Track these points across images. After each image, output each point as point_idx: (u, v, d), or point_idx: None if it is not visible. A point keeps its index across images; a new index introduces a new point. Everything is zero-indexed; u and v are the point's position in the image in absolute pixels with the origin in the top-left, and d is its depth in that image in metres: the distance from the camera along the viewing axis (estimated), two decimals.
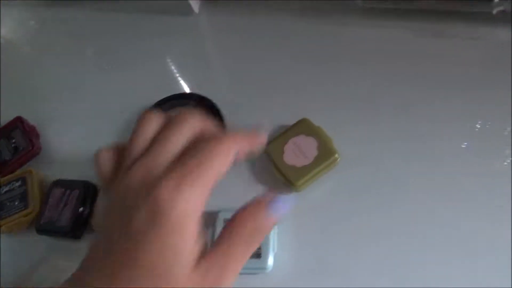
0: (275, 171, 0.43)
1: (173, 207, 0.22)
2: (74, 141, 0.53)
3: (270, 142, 0.44)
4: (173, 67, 0.56)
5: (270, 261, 0.39)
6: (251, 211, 0.25)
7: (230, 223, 0.26)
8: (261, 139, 0.29)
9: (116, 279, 0.22)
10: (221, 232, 0.25)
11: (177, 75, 0.55)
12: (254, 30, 0.56)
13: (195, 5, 0.58)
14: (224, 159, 0.25)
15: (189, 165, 0.24)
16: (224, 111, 0.49)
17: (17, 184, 0.49)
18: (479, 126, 0.44)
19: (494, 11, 0.45)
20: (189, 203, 0.23)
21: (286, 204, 0.26)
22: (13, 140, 0.52)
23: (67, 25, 0.65)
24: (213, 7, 0.59)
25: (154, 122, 0.27)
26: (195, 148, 0.25)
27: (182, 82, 0.55)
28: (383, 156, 0.44)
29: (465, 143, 0.43)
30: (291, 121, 0.45)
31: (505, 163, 0.41)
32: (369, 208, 0.42)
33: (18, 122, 0.53)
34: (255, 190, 0.44)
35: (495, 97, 0.45)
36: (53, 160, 0.52)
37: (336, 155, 0.42)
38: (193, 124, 0.27)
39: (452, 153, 0.43)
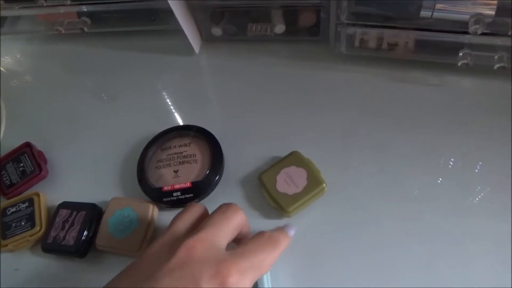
0: (268, 198, 0.48)
1: None
2: (79, 167, 0.56)
3: (264, 171, 0.49)
4: (173, 102, 0.61)
5: None
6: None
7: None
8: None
9: None
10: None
11: (177, 109, 0.60)
12: (248, 71, 0.61)
13: (196, 46, 0.63)
14: (275, 256, 0.37)
15: (252, 260, 0.35)
16: (220, 142, 0.53)
17: (24, 205, 0.52)
18: (452, 164, 0.49)
19: (459, 63, 0.52)
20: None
21: (293, 229, 0.40)
22: (21, 164, 0.55)
23: (72, 59, 0.69)
24: (212, 48, 0.64)
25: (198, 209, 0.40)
26: (256, 244, 0.37)
27: (181, 115, 0.59)
28: (366, 186, 0.48)
29: (440, 179, 0.48)
30: (282, 152, 0.50)
31: (476, 199, 0.47)
32: (354, 233, 0.46)
33: (27, 147, 0.56)
34: (249, 215, 0.48)
35: (463, 138, 0.50)
36: (59, 184, 0.55)
37: (324, 185, 0.47)
38: (240, 216, 0.39)
39: (427, 185, 0.48)
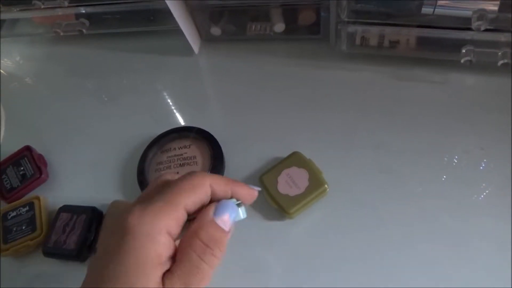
0: (270, 200, 0.47)
1: (137, 229, 0.26)
2: (79, 170, 0.56)
3: (265, 173, 0.49)
4: (173, 102, 0.60)
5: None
6: (199, 224, 0.29)
7: (183, 240, 0.29)
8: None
9: None
10: (178, 248, 0.29)
11: (177, 110, 0.60)
12: (249, 70, 0.61)
13: (195, 46, 0.63)
14: (190, 188, 0.30)
15: (155, 196, 0.29)
16: (221, 143, 0.52)
17: (25, 209, 0.52)
18: (455, 162, 0.48)
19: (462, 60, 0.51)
20: (153, 225, 0.26)
21: (228, 209, 0.31)
22: (21, 168, 0.55)
23: (71, 61, 0.69)
24: (212, 48, 0.64)
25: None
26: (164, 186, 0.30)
27: (181, 116, 0.59)
28: (369, 186, 0.48)
29: (444, 177, 0.48)
30: (283, 153, 0.50)
31: (480, 198, 0.46)
32: (357, 234, 0.45)
33: (27, 151, 0.56)
34: (250, 216, 0.48)
35: (467, 136, 0.50)
36: (59, 187, 0.55)
37: (326, 186, 0.47)
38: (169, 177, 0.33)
39: (431, 185, 0.47)
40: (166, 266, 0.27)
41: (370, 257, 0.44)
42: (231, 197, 0.33)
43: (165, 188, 0.29)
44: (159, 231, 0.26)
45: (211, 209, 0.30)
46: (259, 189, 0.35)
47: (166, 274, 0.27)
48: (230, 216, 0.30)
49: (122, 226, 0.27)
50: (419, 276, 0.42)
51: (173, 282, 0.27)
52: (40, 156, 0.57)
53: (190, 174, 0.31)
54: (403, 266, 0.43)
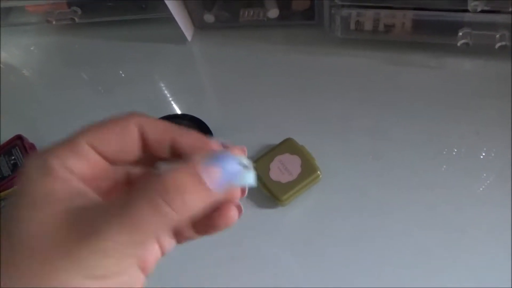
0: (262, 187, 0.46)
1: (28, 166, 0.21)
2: None
3: (257, 159, 0.48)
4: (166, 90, 0.60)
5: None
6: (176, 166, 0.20)
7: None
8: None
9: None
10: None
11: (170, 97, 0.59)
12: (242, 57, 0.60)
13: (188, 34, 0.62)
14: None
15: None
16: (213, 131, 0.52)
17: None
18: (452, 150, 0.47)
19: (459, 43, 0.50)
20: (45, 159, 0.21)
21: (224, 163, 0.20)
22: (13, 157, 0.55)
23: (65, 50, 0.68)
24: (205, 36, 0.63)
25: None
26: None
27: (175, 104, 0.58)
28: (362, 174, 0.47)
29: (444, 167, 0.47)
30: (276, 140, 0.49)
31: (482, 188, 0.45)
32: (350, 222, 0.44)
33: (18, 140, 0.56)
34: (242, 204, 0.47)
35: (464, 122, 0.49)
36: None
37: (318, 172, 0.46)
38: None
39: (426, 170, 0.46)
40: (73, 202, 0.20)
41: (363, 246, 0.43)
42: (175, 152, 0.23)
43: None
44: (52, 165, 0.20)
45: (201, 155, 0.20)
46: (226, 141, 0.25)
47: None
48: (223, 173, 0.20)
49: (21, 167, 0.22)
50: (414, 264, 0.41)
51: (100, 217, 0.19)
52: (32, 146, 0.56)
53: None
54: (398, 255, 0.42)
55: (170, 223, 0.19)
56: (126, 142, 0.22)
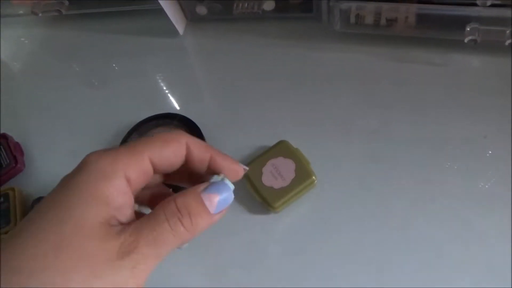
0: (253, 193, 0.44)
1: (93, 165, 0.23)
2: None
3: (248, 163, 0.45)
4: (157, 87, 0.57)
5: None
6: (183, 192, 0.25)
7: (160, 203, 0.25)
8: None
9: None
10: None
11: (161, 94, 0.57)
12: (236, 52, 0.57)
13: (180, 27, 0.59)
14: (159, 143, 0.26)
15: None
16: (204, 130, 0.50)
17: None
18: (457, 151, 0.45)
19: (466, 40, 0.47)
20: (110, 164, 0.23)
21: (220, 190, 0.26)
22: None
23: (52, 43, 0.66)
24: (197, 29, 0.60)
25: None
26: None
27: (165, 102, 0.56)
28: (360, 178, 0.45)
29: (448, 163, 0.45)
30: (269, 142, 0.46)
31: (487, 185, 0.43)
32: (345, 230, 0.42)
33: (2, 139, 0.54)
34: (232, 209, 0.45)
35: (469, 122, 0.46)
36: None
37: (313, 178, 0.43)
38: None
39: (429, 176, 0.44)
40: (117, 213, 0.23)
41: (361, 258, 0.41)
42: (211, 167, 0.28)
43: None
44: (115, 171, 0.23)
45: (203, 184, 0.26)
46: (247, 168, 0.30)
47: (122, 224, 0.24)
48: (220, 197, 0.26)
49: (81, 162, 0.24)
50: (414, 277, 0.39)
51: (125, 229, 0.23)
52: (17, 145, 0.54)
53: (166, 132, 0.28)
54: (398, 266, 0.40)
55: (182, 241, 0.24)
56: (177, 158, 0.26)
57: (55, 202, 0.22)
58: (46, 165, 0.53)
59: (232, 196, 0.27)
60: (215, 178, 0.27)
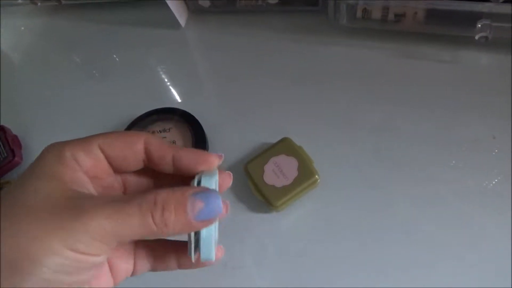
0: (255, 191, 0.43)
1: (45, 152, 0.25)
2: None
3: (250, 160, 0.44)
4: (157, 80, 0.56)
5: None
6: (174, 188, 0.24)
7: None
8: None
9: None
10: None
11: (162, 88, 0.55)
12: (239, 46, 0.56)
13: (182, 19, 0.58)
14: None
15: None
16: (206, 126, 0.49)
17: None
18: (466, 148, 0.44)
19: (477, 37, 0.46)
20: (60, 149, 0.25)
21: (209, 199, 0.24)
22: None
23: (52, 33, 0.65)
24: (200, 22, 0.59)
25: None
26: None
27: (166, 95, 0.55)
28: (364, 177, 0.44)
29: (453, 161, 0.44)
30: (272, 138, 0.45)
31: (493, 183, 0.42)
32: (348, 230, 0.42)
33: (0, 132, 0.53)
34: (233, 209, 0.44)
35: (479, 121, 0.45)
36: None
37: (316, 176, 0.42)
38: None
39: (435, 175, 0.43)
40: (75, 186, 0.24)
41: (365, 259, 0.40)
42: (178, 166, 0.26)
43: None
44: (63, 153, 0.25)
45: (196, 188, 0.25)
46: (222, 155, 0.28)
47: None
48: (205, 207, 0.24)
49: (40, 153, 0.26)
50: (418, 278, 0.39)
51: (95, 202, 0.23)
52: (15, 138, 0.53)
53: None
54: (403, 267, 0.39)
55: (147, 232, 0.23)
56: (131, 152, 0.26)
57: (18, 182, 0.24)
58: None
59: (221, 211, 0.24)
60: (200, 177, 0.25)
